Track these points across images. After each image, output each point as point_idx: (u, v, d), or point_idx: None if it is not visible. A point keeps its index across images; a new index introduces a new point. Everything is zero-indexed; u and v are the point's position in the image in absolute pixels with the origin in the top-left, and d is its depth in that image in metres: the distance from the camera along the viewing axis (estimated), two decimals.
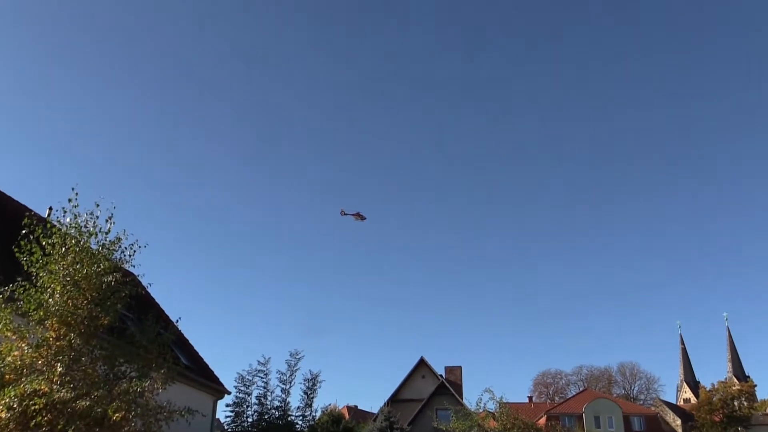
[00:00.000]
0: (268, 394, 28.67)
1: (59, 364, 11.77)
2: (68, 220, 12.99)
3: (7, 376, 11.36)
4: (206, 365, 25.95)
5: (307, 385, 29.72)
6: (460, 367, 56.42)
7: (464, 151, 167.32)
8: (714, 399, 66.70)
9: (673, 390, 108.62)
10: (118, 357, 12.85)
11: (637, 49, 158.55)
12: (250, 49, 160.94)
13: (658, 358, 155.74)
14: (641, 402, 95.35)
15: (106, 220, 13.14)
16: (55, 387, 11.31)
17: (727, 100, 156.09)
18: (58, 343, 11.90)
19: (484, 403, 34.34)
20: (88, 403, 11.29)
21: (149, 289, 17.67)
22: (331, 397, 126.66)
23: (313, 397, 29.74)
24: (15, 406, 10.82)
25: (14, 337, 11.87)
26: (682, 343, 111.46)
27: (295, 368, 29.01)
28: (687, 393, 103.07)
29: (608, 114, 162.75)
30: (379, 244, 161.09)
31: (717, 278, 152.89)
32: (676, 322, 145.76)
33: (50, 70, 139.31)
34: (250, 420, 27.95)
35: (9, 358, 11.59)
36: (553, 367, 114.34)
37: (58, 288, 12.11)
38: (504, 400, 35.42)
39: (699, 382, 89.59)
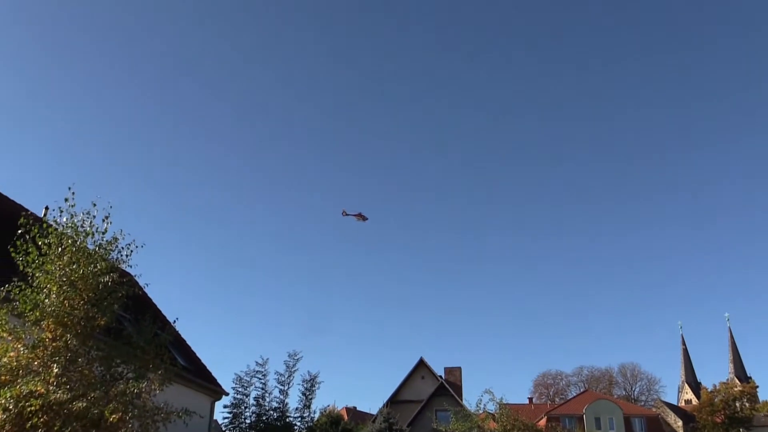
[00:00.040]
0: (266, 395, 28.55)
1: (55, 365, 11.72)
2: (65, 219, 12.95)
3: (2, 378, 11.31)
4: (204, 366, 25.86)
5: (305, 386, 29.62)
6: (459, 368, 56.35)
7: (464, 151, 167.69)
8: (715, 400, 66.70)
9: (675, 391, 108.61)
10: (115, 358, 12.79)
11: (637, 49, 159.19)
12: (250, 49, 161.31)
13: (659, 359, 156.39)
14: (642, 403, 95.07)
15: (103, 220, 13.12)
16: (51, 388, 11.25)
17: (727, 100, 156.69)
18: (54, 344, 11.84)
19: (484, 404, 34.21)
20: (84, 404, 11.23)
21: (146, 290, 17.61)
22: (329, 398, 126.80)
23: (311, 398, 29.64)
24: (11, 407, 10.78)
25: (10, 338, 11.81)
26: (684, 343, 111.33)
27: (293, 369, 28.91)
28: (688, 394, 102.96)
29: (608, 114, 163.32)
30: (379, 244, 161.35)
31: (718, 278, 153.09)
32: (678, 322, 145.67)
33: (50, 70, 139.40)
34: (248, 421, 27.83)
35: (5, 359, 11.53)
36: (554, 367, 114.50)
37: (55, 288, 12.07)
38: (504, 401, 35.25)
39: (700, 383, 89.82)
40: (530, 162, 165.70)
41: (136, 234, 13.45)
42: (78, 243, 12.70)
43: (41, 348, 11.75)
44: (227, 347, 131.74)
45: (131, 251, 13.41)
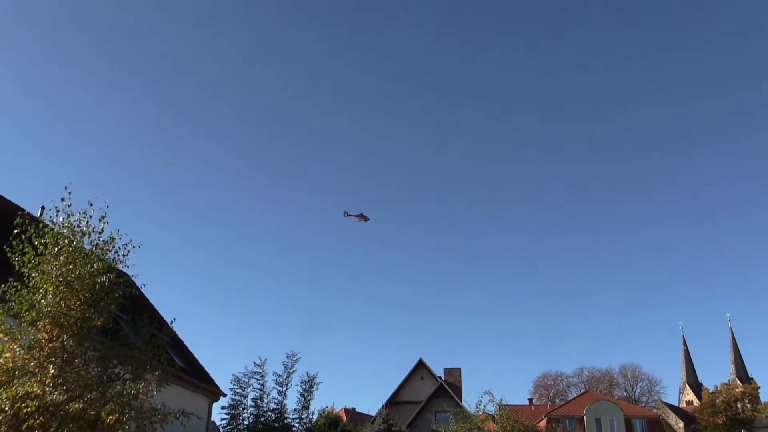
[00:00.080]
0: (265, 396, 28.40)
1: (52, 366, 11.66)
2: (61, 219, 12.89)
3: None
4: (201, 367, 25.79)
5: (304, 387, 29.46)
6: (459, 369, 56.24)
7: (464, 151, 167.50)
8: (717, 401, 66.47)
9: (676, 392, 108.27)
10: (112, 359, 12.74)
11: (637, 49, 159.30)
12: (250, 49, 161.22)
13: (660, 360, 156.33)
14: (643, 404, 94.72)
15: (100, 220, 13.07)
16: (47, 389, 11.19)
17: (727, 100, 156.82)
18: (50, 345, 11.78)
19: (484, 406, 34.18)
20: (81, 405, 11.15)
21: (143, 290, 17.48)
22: (328, 399, 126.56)
23: (310, 399, 29.47)
24: (7, 408, 10.73)
25: (6, 339, 11.75)
26: (685, 344, 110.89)
27: (291, 370, 28.76)
28: (689, 395, 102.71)
29: (608, 114, 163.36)
30: (379, 244, 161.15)
31: (719, 278, 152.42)
32: (679, 323, 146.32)
33: (50, 70, 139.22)
34: (246, 423, 27.71)
35: (1, 360, 11.46)
36: (554, 368, 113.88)
37: (51, 289, 12.00)
38: (504, 403, 35.21)
39: (702, 384, 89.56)
40: (530, 162, 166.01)
41: (134, 234, 13.47)
42: (74, 243, 12.64)
43: (37, 349, 11.69)
44: (225, 348, 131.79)
45: (128, 251, 13.37)
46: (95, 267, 12.51)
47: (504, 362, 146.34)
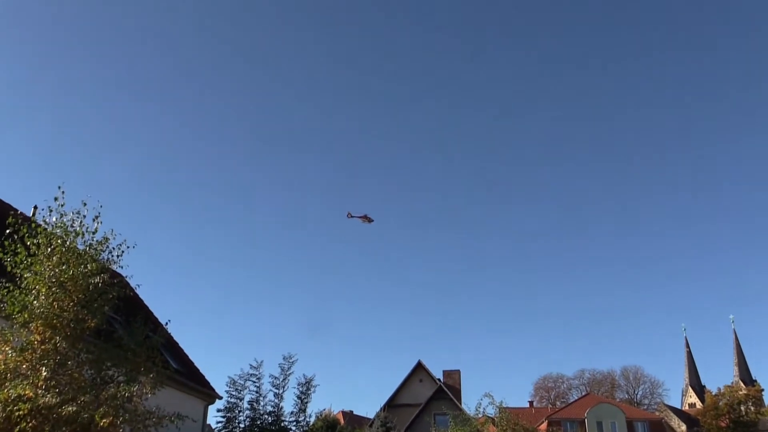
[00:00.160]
0: (261, 398, 28.33)
1: (44, 368, 11.52)
2: (54, 219, 12.75)
3: None
4: (197, 369, 25.63)
5: (300, 389, 29.41)
6: (458, 371, 56.24)
7: (464, 151, 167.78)
8: (720, 404, 66.56)
9: (678, 394, 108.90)
10: (106, 361, 12.61)
11: (637, 49, 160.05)
12: (250, 49, 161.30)
13: (662, 362, 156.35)
14: (645, 407, 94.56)
15: (93, 220, 12.92)
16: (40, 392, 11.06)
17: (727, 100, 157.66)
18: (43, 347, 11.63)
19: (484, 408, 33.92)
20: (74, 408, 11.04)
21: (138, 291, 17.34)
22: (325, 402, 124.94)
23: (307, 402, 29.43)
24: None
25: None
26: (687, 346, 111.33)
27: (288, 372, 28.71)
28: (692, 398, 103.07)
29: (608, 114, 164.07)
30: (378, 244, 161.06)
31: (723, 280, 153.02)
32: (681, 324, 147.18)
33: (50, 70, 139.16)
34: (242, 426, 27.61)
35: None
36: (555, 370, 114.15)
37: (44, 289, 11.86)
38: (504, 405, 34.97)
39: (705, 387, 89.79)
40: (530, 162, 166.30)
41: (128, 234, 13.27)
42: (68, 243, 12.50)
43: (30, 351, 11.53)
44: (221, 350, 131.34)
45: (122, 252, 13.23)
46: (89, 268, 12.37)
47: (504, 364, 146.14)
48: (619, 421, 62.72)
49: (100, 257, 12.85)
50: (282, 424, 28.15)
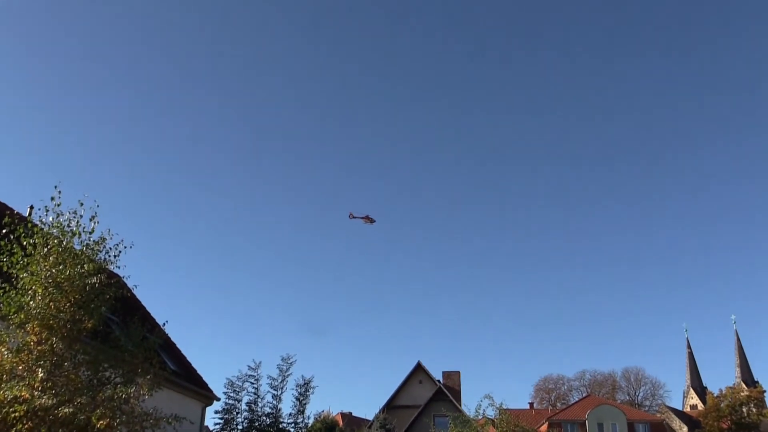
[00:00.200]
0: (259, 400, 28.28)
1: (41, 370, 11.46)
2: (50, 219, 12.69)
3: None
4: (194, 370, 25.53)
5: (299, 390, 29.34)
6: (458, 372, 56.03)
7: (464, 151, 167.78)
8: (722, 405, 66.22)
9: (680, 396, 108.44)
10: (102, 362, 12.58)
11: (637, 49, 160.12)
12: (249, 48, 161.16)
13: (663, 363, 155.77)
14: (646, 408, 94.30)
15: (90, 220, 12.88)
16: (36, 393, 11.00)
17: (727, 100, 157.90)
18: (39, 348, 11.59)
19: (484, 410, 33.75)
20: (70, 410, 11.00)
21: (135, 291, 17.23)
22: (324, 404, 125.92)
23: (305, 404, 29.36)
24: None
25: None
26: (689, 347, 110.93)
27: (286, 373, 28.65)
28: (694, 399, 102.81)
29: (608, 114, 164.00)
30: (377, 245, 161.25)
31: (724, 280, 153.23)
32: (683, 325, 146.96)
33: (49, 70, 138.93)
34: (240, 427, 27.56)
35: None
36: (555, 372, 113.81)
37: (40, 290, 11.82)
38: (504, 407, 34.79)
39: (706, 388, 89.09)
40: (530, 162, 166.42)
41: (125, 234, 13.24)
42: (64, 243, 12.45)
43: (26, 352, 11.48)
44: (219, 351, 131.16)
45: (119, 252, 13.19)
46: (85, 268, 12.33)
47: (504, 365, 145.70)
48: (620, 422, 62.54)
49: (97, 257, 12.80)
50: (280, 426, 28.09)
